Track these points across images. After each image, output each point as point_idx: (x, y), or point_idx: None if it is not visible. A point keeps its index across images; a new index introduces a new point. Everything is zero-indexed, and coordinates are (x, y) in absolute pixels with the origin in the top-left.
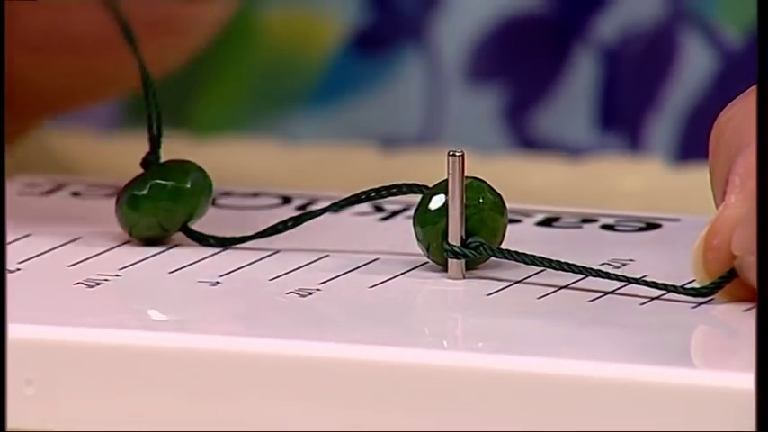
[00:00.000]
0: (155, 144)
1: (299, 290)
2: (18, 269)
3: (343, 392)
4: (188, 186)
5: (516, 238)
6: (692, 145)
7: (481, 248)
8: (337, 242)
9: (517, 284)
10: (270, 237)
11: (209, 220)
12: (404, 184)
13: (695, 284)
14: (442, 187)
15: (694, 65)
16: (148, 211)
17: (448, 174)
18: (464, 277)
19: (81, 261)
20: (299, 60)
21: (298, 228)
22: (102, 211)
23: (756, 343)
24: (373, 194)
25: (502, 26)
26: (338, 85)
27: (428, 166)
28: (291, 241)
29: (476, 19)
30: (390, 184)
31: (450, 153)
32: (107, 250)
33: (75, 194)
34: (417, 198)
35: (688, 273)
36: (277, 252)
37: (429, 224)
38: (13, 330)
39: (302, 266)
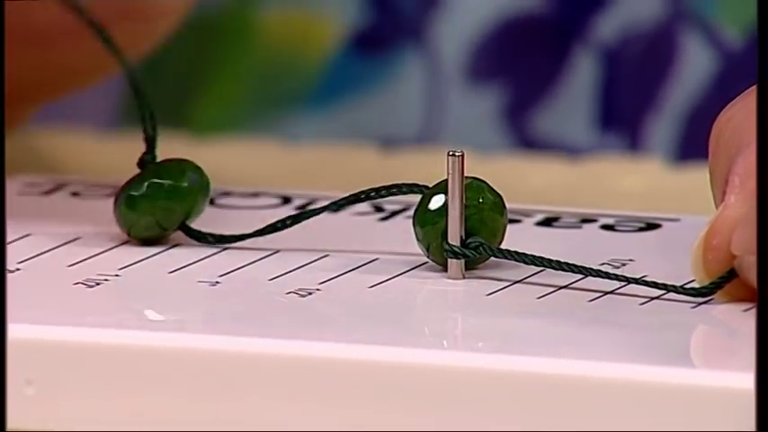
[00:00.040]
0: (150, 144)
1: (299, 290)
2: (18, 269)
3: (343, 392)
4: (185, 185)
5: (516, 238)
6: (692, 145)
7: (481, 248)
8: (337, 242)
9: (517, 284)
10: (269, 235)
11: (209, 220)
12: (404, 184)
13: (695, 284)
14: (441, 187)
15: (694, 65)
16: (146, 210)
17: (448, 174)
18: (464, 277)
19: (81, 261)
20: (299, 61)
21: (297, 228)
22: (101, 210)
23: (756, 343)
24: (373, 194)
25: (501, 26)
26: (338, 85)
27: (428, 166)
28: (291, 241)
29: (475, 19)
30: (390, 183)
31: (450, 153)
32: (107, 250)
33: (75, 194)
34: (417, 198)
35: (688, 273)
36: (277, 252)
37: (429, 224)
38: (13, 330)
39: (302, 266)
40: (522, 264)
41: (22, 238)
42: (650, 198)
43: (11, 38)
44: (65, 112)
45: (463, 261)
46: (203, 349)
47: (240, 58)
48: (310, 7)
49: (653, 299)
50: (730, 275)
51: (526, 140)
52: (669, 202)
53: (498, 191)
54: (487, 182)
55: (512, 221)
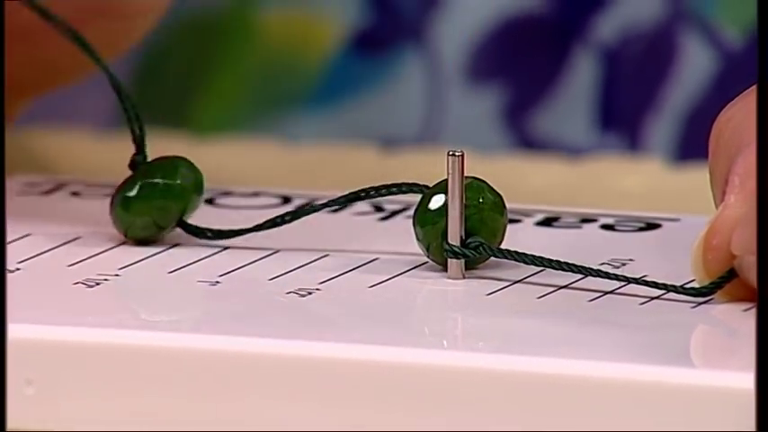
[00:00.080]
0: (139, 144)
1: (299, 290)
2: (17, 269)
3: (343, 392)
4: (178, 182)
5: (516, 237)
6: (692, 145)
7: (481, 248)
8: (337, 242)
9: (517, 284)
10: (269, 236)
11: (209, 220)
12: (404, 184)
13: (695, 284)
14: (442, 187)
15: (694, 65)
16: (142, 211)
17: (448, 174)
18: (464, 277)
19: (80, 261)
20: (299, 61)
21: (297, 228)
22: (101, 210)
23: (756, 343)
24: (373, 192)
25: (501, 26)
26: (338, 85)
27: (428, 167)
28: (291, 241)
29: (475, 19)
30: (390, 183)
31: (450, 153)
32: (106, 250)
33: (75, 194)
34: (417, 198)
35: (688, 273)
36: (277, 252)
37: (429, 224)
38: (13, 330)
39: (302, 266)
40: (522, 264)
41: (21, 238)
42: (650, 198)
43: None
44: (64, 111)
45: (463, 261)
46: (203, 349)
47: (240, 58)
48: (310, 7)
49: (653, 299)
50: (730, 275)
51: (526, 140)
52: (669, 202)
53: (498, 191)
54: (487, 182)
55: (512, 221)
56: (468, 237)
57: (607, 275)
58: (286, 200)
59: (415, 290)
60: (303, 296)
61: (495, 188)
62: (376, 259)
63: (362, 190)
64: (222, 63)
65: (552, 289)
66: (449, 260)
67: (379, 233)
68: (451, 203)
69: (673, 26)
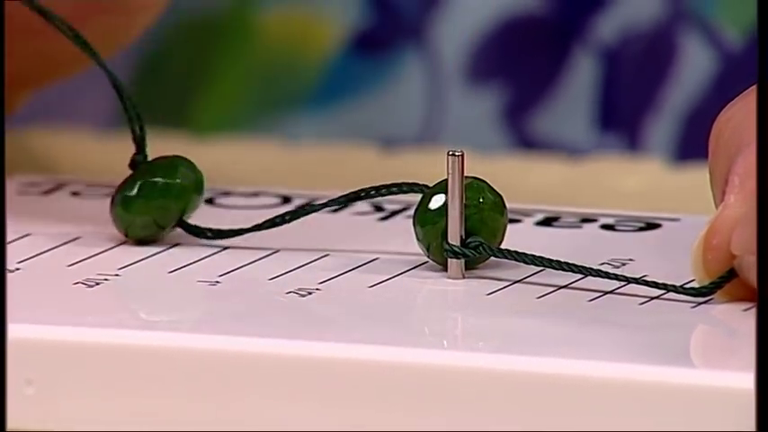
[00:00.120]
0: (140, 144)
1: (299, 289)
2: (17, 269)
3: (343, 392)
4: (178, 181)
5: (516, 237)
6: (692, 146)
7: (481, 248)
8: (337, 242)
9: (517, 284)
10: (269, 236)
11: (209, 220)
12: (404, 183)
13: (695, 284)
14: (442, 187)
15: (694, 65)
16: (142, 210)
17: (448, 173)
18: (464, 277)
19: (80, 261)
20: (299, 62)
21: (297, 228)
22: (101, 210)
23: (756, 343)
24: (373, 192)
25: (501, 27)
26: (338, 86)
27: (428, 167)
28: (291, 241)
29: (475, 20)
30: (390, 182)
31: (450, 153)
32: (106, 250)
33: (75, 194)
34: (417, 198)
35: (688, 272)
36: (276, 252)
37: (429, 224)
38: (13, 330)
39: (302, 266)
40: (522, 264)
41: (21, 237)
42: (650, 198)
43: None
44: (64, 111)
45: (463, 261)
46: (203, 349)
47: (240, 58)
48: (310, 8)
49: (653, 299)
50: (730, 275)
51: (526, 141)
52: (669, 203)
53: (498, 191)
54: (487, 181)
55: (512, 221)
56: (468, 237)
57: (607, 275)
58: (286, 200)
59: (415, 290)
60: (303, 296)
61: (495, 188)
62: (376, 259)
63: (362, 190)
64: (222, 63)
65: (552, 289)
66: (449, 260)
67: (379, 233)
68: (451, 203)
69: (672, 26)
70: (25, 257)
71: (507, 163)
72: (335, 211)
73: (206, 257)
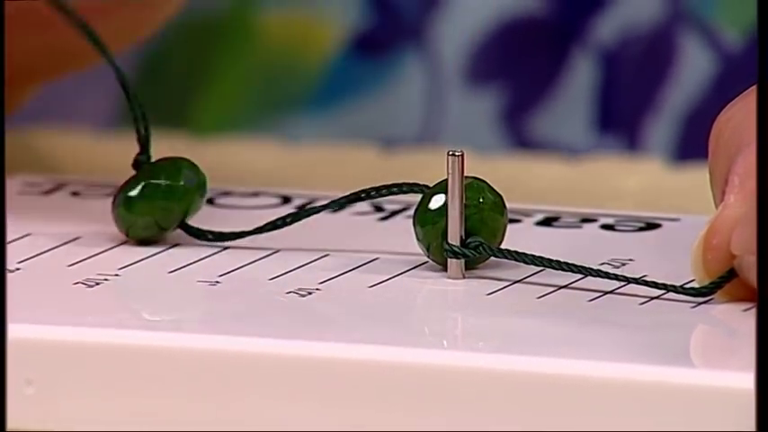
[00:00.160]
0: (144, 144)
1: (299, 289)
2: (17, 269)
3: (343, 392)
4: (181, 183)
5: (516, 237)
6: (691, 147)
7: (481, 248)
8: (337, 242)
9: (517, 284)
10: (269, 235)
11: (209, 220)
12: (404, 184)
13: (695, 284)
14: (442, 187)
15: (693, 67)
16: (144, 211)
17: (448, 173)
18: (464, 277)
19: (80, 261)
20: (299, 63)
21: (297, 228)
22: (101, 210)
23: (756, 343)
24: (373, 193)
25: (501, 28)
26: (338, 87)
27: (428, 167)
28: (291, 241)
29: (475, 21)
30: (390, 183)
31: (450, 153)
32: (106, 250)
33: (75, 194)
34: (417, 198)
35: (687, 272)
36: (277, 252)
37: (429, 224)
38: (13, 330)
39: (302, 266)
40: (522, 264)
41: (22, 237)
42: (650, 199)
43: (9, 21)
44: (64, 111)
45: (463, 261)
46: (203, 349)
47: (241, 59)
48: (311, 9)
49: (653, 299)
50: (730, 275)
51: (525, 142)
52: (669, 203)
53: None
54: (487, 181)
55: (512, 221)
56: (469, 237)
57: (607, 275)
58: (286, 200)
59: (415, 290)
60: (303, 296)
61: (495, 188)
62: (376, 259)
63: (363, 190)
64: (223, 64)
65: (552, 289)
66: (449, 260)
67: (379, 233)
68: (451, 203)
69: (672, 27)
70: (25, 257)
71: (507, 164)
72: (335, 211)
73: (206, 257)
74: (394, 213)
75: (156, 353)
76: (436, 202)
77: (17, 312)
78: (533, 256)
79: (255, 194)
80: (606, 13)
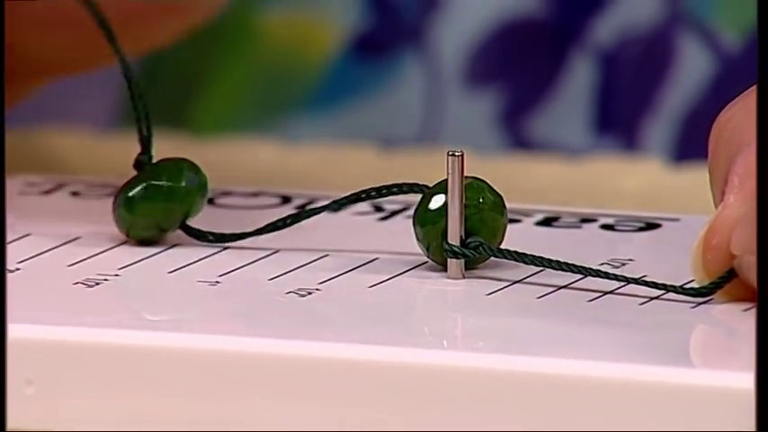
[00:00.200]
0: (145, 144)
1: (299, 290)
2: (17, 269)
3: (342, 392)
4: (183, 185)
5: (516, 237)
6: (689, 149)
7: (481, 248)
8: (337, 242)
9: (517, 284)
10: (269, 235)
11: (209, 220)
12: (404, 184)
13: (694, 284)
14: (442, 187)
15: (692, 68)
16: (145, 212)
17: (447, 174)
18: (464, 277)
19: (80, 261)
20: (300, 64)
21: (297, 227)
22: (101, 210)
23: (756, 343)
24: (373, 193)
25: (500, 30)
26: (338, 88)
27: (428, 167)
28: (291, 241)
29: (474, 23)
30: (390, 183)
31: (450, 153)
32: (106, 250)
33: (75, 194)
34: (417, 198)
35: (687, 273)
36: (276, 252)
37: (429, 224)
38: (13, 330)
39: (302, 266)
40: (521, 264)
41: (21, 237)
42: (649, 199)
43: (47, 20)
44: (64, 112)
45: (463, 261)
46: (203, 349)
47: (242, 60)
48: (311, 10)
49: (652, 299)
50: (730, 275)
51: (524, 143)
52: (668, 203)
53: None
54: (487, 181)
55: (512, 221)
56: (468, 237)
57: (607, 275)
58: (286, 200)
59: (415, 290)
60: (303, 296)
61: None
62: (376, 259)
63: (363, 191)
64: (223, 64)
65: (552, 289)
66: (449, 260)
67: (379, 233)
68: (451, 203)
69: (670, 29)
70: (25, 257)
71: (506, 164)
72: (336, 211)
73: (206, 257)
74: (394, 213)
75: (156, 353)
76: (436, 202)
77: (17, 312)
78: (533, 256)
79: (255, 194)
80: (605, 14)
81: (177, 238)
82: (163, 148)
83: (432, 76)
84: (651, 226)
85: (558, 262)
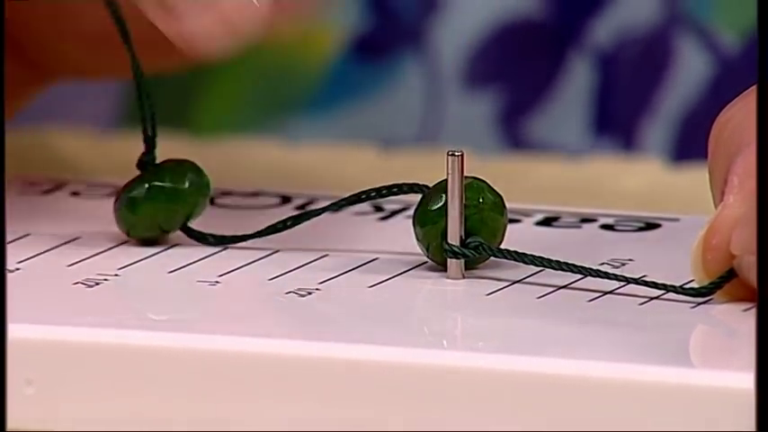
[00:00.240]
0: (150, 145)
1: (299, 290)
2: (18, 269)
3: (342, 392)
4: (186, 186)
5: (516, 237)
6: (687, 150)
7: (480, 248)
8: (337, 242)
9: (517, 284)
10: (269, 236)
11: (209, 220)
12: (404, 184)
13: (694, 284)
14: (442, 187)
15: (690, 69)
16: (147, 212)
17: (447, 174)
18: (464, 277)
19: (80, 261)
20: (300, 65)
21: (297, 228)
22: (101, 210)
23: (756, 343)
24: (373, 194)
25: (499, 31)
26: (338, 89)
27: (428, 167)
28: (291, 241)
29: (473, 24)
30: (391, 183)
31: (450, 153)
32: (106, 250)
33: (75, 194)
34: (417, 198)
35: (687, 273)
36: (276, 252)
37: (429, 224)
38: (13, 330)
39: (302, 266)
40: (521, 264)
41: (21, 237)
42: (649, 199)
43: (97, 35)
44: (65, 112)
45: (463, 261)
46: (203, 349)
47: (242, 60)
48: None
49: (652, 299)
50: (730, 275)
51: (523, 144)
52: (668, 204)
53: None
54: (487, 182)
55: (511, 221)
56: (468, 237)
57: (607, 275)
58: (286, 200)
59: (415, 290)
60: (303, 296)
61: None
62: (376, 259)
63: (363, 192)
64: (224, 65)
65: (552, 289)
66: (448, 260)
67: (379, 233)
68: (451, 203)
69: (669, 30)
70: (25, 257)
71: (505, 165)
72: (336, 211)
73: (206, 258)
74: (394, 213)
75: (156, 353)
76: (436, 202)
77: (17, 312)
78: (533, 256)
79: (255, 194)
80: (603, 16)
81: (177, 238)
82: (163, 147)
83: (431, 77)
84: (651, 226)
85: (557, 262)
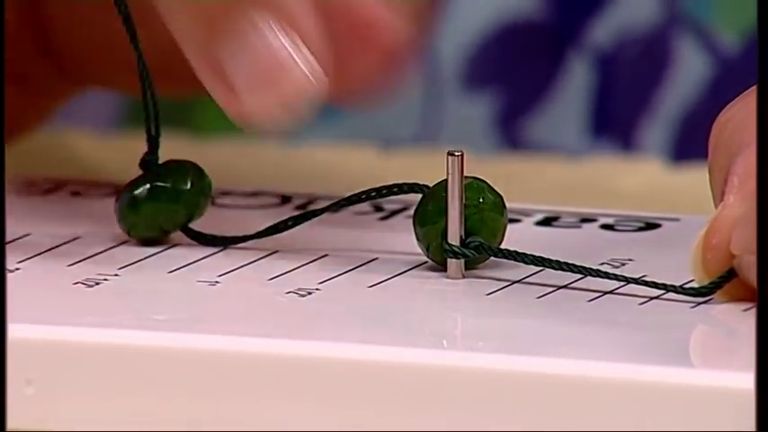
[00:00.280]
0: (153, 144)
1: (299, 290)
2: (18, 269)
3: (342, 392)
4: (187, 187)
5: (516, 237)
6: (687, 150)
7: (480, 248)
8: (337, 242)
9: (516, 284)
10: (269, 236)
11: (209, 220)
12: (404, 184)
13: (694, 284)
14: (442, 187)
15: (689, 69)
16: (148, 212)
17: (447, 174)
18: (463, 277)
19: (80, 261)
20: None
21: (297, 228)
22: (101, 210)
23: (756, 343)
24: (373, 194)
25: (498, 32)
26: None
27: (428, 167)
28: (291, 241)
29: (473, 24)
30: (391, 183)
31: (450, 153)
32: (106, 250)
33: (75, 194)
34: (417, 198)
35: (687, 272)
36: (276, 252)
37: (429, 224)
38: (13, 330)
39: (301, 266)
40: (521, 264)
41: (21, 237)
42: (649, 199)
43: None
44: (65, 111)
45: (463, 261)
46: (203, 349)
47: None
48: None
49: (652, 299)
50: (730, 275)
51: (522, 144)
52: (668, 204)
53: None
54: (487, 182)
55: (511, 221)
56: (468, 237)
57: (607, 275)
58: (286, 200)
59: (414, 290)
60: (303, 296)
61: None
62: (376, 259)
63: (363, 192)
64: None
65: (552, 289)
66: (448, 260)
67: (379, 233)
68: (451, 203)
69: (668, 30)
70: (25, 257)
71: (505, 165)
72: (335, 211)
73: (206, 258)
74: (394, 213)
75: (156, 353)
76: (436, 202)
77: (17, 312)
78: (533, 256)
79: (255, 194)
80: (603, 16)
81: (177, 238)
82: (163, 147)
83: (431, 78)
84: (651, 226)
85: (557, 262)
